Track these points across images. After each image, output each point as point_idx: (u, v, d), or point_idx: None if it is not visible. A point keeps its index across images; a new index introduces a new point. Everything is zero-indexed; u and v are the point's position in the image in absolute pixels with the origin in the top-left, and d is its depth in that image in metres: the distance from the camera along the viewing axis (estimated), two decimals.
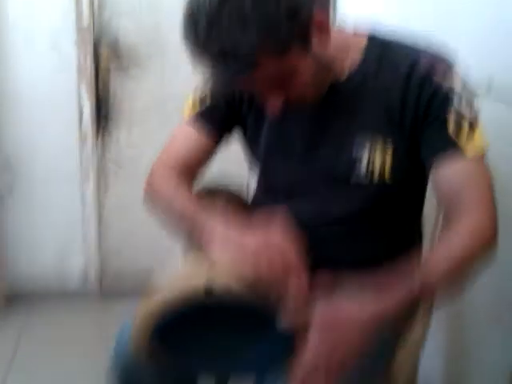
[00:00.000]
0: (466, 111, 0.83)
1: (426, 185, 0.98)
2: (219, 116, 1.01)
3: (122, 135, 2.44)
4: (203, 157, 1.04)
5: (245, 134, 1.04)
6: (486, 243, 0.82)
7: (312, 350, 0.71)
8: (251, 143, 1.03)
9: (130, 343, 0.80)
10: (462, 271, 0.80)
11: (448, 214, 0.85)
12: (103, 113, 2.40)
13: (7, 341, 2.05)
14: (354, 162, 0.89)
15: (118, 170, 2.46)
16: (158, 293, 0.74)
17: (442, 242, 0.84)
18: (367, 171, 0.88)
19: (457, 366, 1.38)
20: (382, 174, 0.88)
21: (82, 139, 2.35)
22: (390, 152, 0.87)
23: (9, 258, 2.32)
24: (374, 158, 0.88)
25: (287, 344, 0.76)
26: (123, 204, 2.47)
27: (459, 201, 0.82)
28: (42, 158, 2.33)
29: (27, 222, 2.36)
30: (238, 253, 0.75)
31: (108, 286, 2.49)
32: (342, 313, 0.72)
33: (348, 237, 0.95)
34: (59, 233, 2.41)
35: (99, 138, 2.41)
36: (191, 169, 1.02)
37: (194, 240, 0.86)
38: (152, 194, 1.00)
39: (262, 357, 0.80)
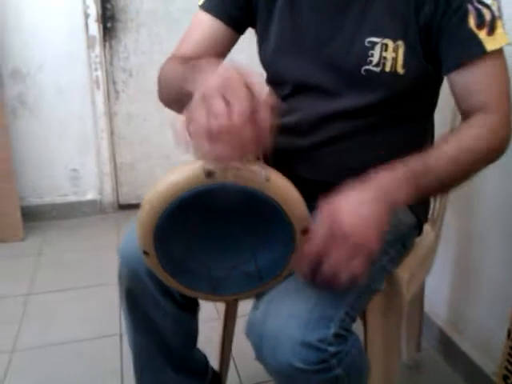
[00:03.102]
0: (487, 5, 0.78)
1: (441, 82, 0.93)
2: (233, 2, 0.94)
3: (130, 40, 2.34)
4: (218, 45, 0.97)
5: (256, 24, 0.97)
6: (498, 139, 0.80)
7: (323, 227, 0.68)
8: (262, 35, 0.97)
9: (135, 238, 0.77)
10: (468, 162, 0.78)
11: (463, 115, 0.83)
12: (109, 14, 2.28)
13: (31, 253, 2.10)
14: (365, 52, 0.84)
15: (127, 77, 2.38)
16: (159, 183, 0.71)
17: (452, 132, 0.81)
18: (379, 60, 0.84)
19: (463, 286, 1.38)
20: (394, 65, 0.83)
21: (90, 45, 2.25)
22: (402, 47, 0.83)
23: (23, 171, 2.32)
24: (386, 50, 0.83)
25: (287, 250, 0.75)
26: (135, 112, 2.42)
27: (475, 101, 0.80)
28: (50, 67, 2.26)
29: (40, 133, 2.33)
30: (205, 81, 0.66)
31: (124, 197, 2.50)
32: (348, 198, 0.69)
33: (360, 132, 0.90)
34: (72, 144, 2.38)
35: (107, 45, 2.31)
36: (206, 57, 0.95)
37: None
38: (161, 89, 0.93)
39: (262, 262, 0.78)
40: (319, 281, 0.70)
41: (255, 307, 0.78)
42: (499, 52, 0.80)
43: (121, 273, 0.93)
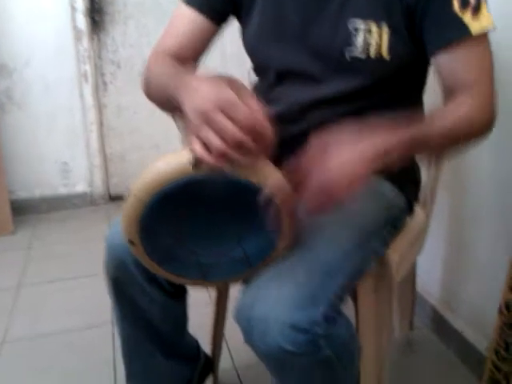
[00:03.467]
0: None
1: (427, 66, 0.93)
2: None
3: (118, 33, 2.32)
4: (202, 39, 0.96)
5: (238, 13, 0.97)
6: (483, 118, 0.80)
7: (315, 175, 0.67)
8: (244, 23, 0.96)
9: (121, 230, 0.76)
10: (459, 135, 0.78)
11: (447, 95, 0.83)
12: (96, 7, 2.26)
13: (21, 247, 2.09)
14: (349, 37, 0.84)
15: (116, 69, 2.37)
16: (145, 173, 0.70)
17: (437, 111, 0.81)
18: (364, 45, 0.83)
19: (455, 265, 1.38)
20: (378, 49, 0.83)
21: (77, 39, 2.24)
22: (386, 31, 0.82)
23: (11, 165, 2.30)
24: (370, 34, 0.83)
25: (274, 235, 0.74)
26: (124, 104, 2.41)
27: (459, 82, 0.80)
28: (38, 61, 2.24)
29: (29, 127, 2.31)
30: (191, 97, 0.68)
31: (114, 188, 2.49)
32: (344, 152, 0.68)
33: (347, 117, 0.89)
34: (61, 137, 2.37)
35: (95, 38, 2.30)
36: (189, 52, 0.95)
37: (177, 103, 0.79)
38: (147, 88, 0.92)
39: (250, 247, 0.77)
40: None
41: (243, 292, 0.77)
42: (483, 34, 0.80)
43: (107, 262, 0.92)
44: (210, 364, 1.21)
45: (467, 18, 0.78)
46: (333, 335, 0.72)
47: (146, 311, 0.96)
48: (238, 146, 0.64)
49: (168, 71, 0.86)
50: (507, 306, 1.09)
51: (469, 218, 1.30)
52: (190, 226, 0.76)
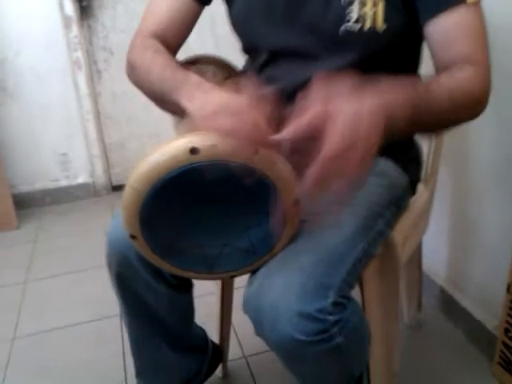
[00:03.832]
0: None
1: (421, 40, 0.89)
2: None
3: (107, 18, 2.27)
4: (186, 19, 0.93)
5: None
6: (480, 88, 0.77)
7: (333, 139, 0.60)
8: (229, 1, 0.93)
9: (121, 222, 0.74)
10: (460, 102, 0.74)
11: (440, 65, 0.80)
12: None
13: (26, 241, 2.09)
14: (343, 10, 0.81)
15: (108, 56, 2.32)
16: (141, 163, 0.67)
17: (433, 78, 0.77)
18: (357, 19, 0.81)
19: (461, 244, 1.36)
20: (373, 22, 0.80)
21: (67, 26, 2.19)
22: (381, 3, 0.80)
23: (10, 159, 2.28)
24: (365, 7, 0.80)
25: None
26: (119, 91, 2.37)
27: (453, 55, 0.78)
28: (28, 51, 2.20)
29: (24, 118, 2.28)
30: (198, 111, 0.69)
31: (116, 178, 2.47)
32: (348, 105, 0.62)
33: None
34: (58, 128, 2.34)
35: (84, 24, 2.25)
36: (173, 32, 0.93)
37: (175, 106, 0.77)
38: (132, 69, 0.90)
39: (255, 237, 0.75)
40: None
41: (250, 283, 0.76)
42: (477, 3, 0.77)
43: (109, 257, 0.91)
44: (219, 355, 1.21)
45: None
46: (343, 322, 0.71)
47: (152, 306, 0.95)
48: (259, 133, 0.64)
49: (162, 67, 0.83)
50: None
51: (473, 195, 1.28)
52: (193, 218, 0.74)
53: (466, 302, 1.34)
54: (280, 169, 0.68)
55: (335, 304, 0.70)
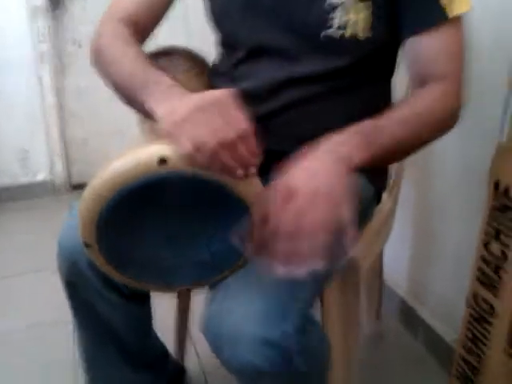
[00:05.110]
0: None
1: (398, 48, 0.89)
2: None
3: (77, 9, 2.21)
4: (159, 5, 0.90)
5: None
6: (451, 107, 0.79)
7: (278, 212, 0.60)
8: None
9: (75, 226, 0.70)
10: (419, 124, 0.75)
11: (415, 84, 0.81)
12: None
13: None
14: (326, 16, 0.80)
15: (77, 49, 2.25)
16: (105, 169, 0.64)
17: (399, 104, 0.78)
18: (339, 25, 0.80)
19: (423, 255, 1.37)
20: (355, 30, 0.80)
21: (32, 15, 2.11)
22: (364, 11, 0.79)
23: None
24: (348, 14, 0.79)
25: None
26: (84, 86, 2.30)
27: (428, 71, 0.79)
28: None
29: None
30: (168, 116, 0.65)
31: (76, 176, 2.41)
32: (301, 171, 0.63)
33: (319, 98, 0.86)
34: (20, 124, 2.26)
35: (52, 16, 2.17)
36: (145, 16, 0.89)
37: (141, 106, 0.74)
38: (98, 57, 0.86)
39: (218, 251, 0.73)
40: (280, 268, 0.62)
41: (210, 302, 0.72)
42: (459, 18, 0.78)
43: (60, 264, 0.87)
44: (180, 372, 1.18)
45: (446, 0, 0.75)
46: (305, 347, 0.69)
47: (105, 316, 0.91)
48: (231, 148, 0.62)
49: (132, 63, 0.80)
50: (475, 299, 1.08)
51: (435, 205, 1.29)
52: (152, 227, 0.72)
53: (425, 314, 1.34)
54: (250, 183, 0.65)
55: (297, 329, 0.67)
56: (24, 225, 2.13)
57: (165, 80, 0.74)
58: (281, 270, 0.61)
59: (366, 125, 0.70)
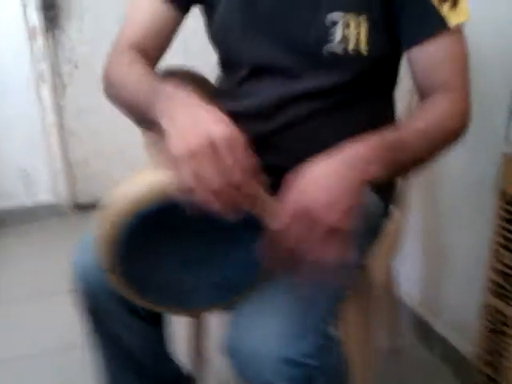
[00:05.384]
0: None
1: (400, 62, 0.90)
2: None
3: (74, 29, 2.21)
4: (166, 29, 0.91)
5: (201, 1, 0.92)
6: (460, 116, 0.79)
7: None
8: (208, 12, 0.91)
9: (91, 250, 0.71)
10: (437, 136, 0.76)
11: (421, 95, 0.82)
12: (49, 1, 2.14)
13: None
14: (326, 31, 0.81)
15: (73, 69, 2.25)
16: (119, 194, 0.64)
17: (417, 109, 0.80)
18: (341, 40, 0.80)
19: (435, 268, 1.37)
20: (357, 44, 0.80)
21: (31, 37, 2.11)
22: (364, 25, 0.80)
23: None
24: (349, 29, 0.80)
25: (256, 266, 0.70)
26: (84, 105, 2.29)
27: (434, 81, 0.79)
28: None
29: None
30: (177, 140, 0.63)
31: (79, 196, 2.39)
32: (314, 172, 0.63)
33: (323, 113, 0.86)
34: (20, 143, 2.24)
35: (50, 35, 2.17)
36: (153, 43, 0.90)
37: (151, 120, 0.73)
38: (106, 84, 0.87)
39: (235, 273, 0.73)
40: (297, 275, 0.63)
41: (230, 323, 0.73)
42: (459, 28, 0.79)
43: (78, 289, 0.86)
44: None
45: (445, 10, 0.76)
46: (325, 364, 0.70)
47: (126, 342, 0.91)
48: (236, 187, 0.60)
49: (137, 79, 0.80)
50: (488, 310, 1.08)
51: (445, 218, 1.29)
52: (170, 250, 0.72)
53: (440, 327, 1.34)
54: (263, 203, 0.64)
55: (317, 347, 0.68)
56: (29, 249, 2.10)
57: (170, 89, 0.72)
58: (309, 282, 0.62)
59: (393, 138, 0.70)
